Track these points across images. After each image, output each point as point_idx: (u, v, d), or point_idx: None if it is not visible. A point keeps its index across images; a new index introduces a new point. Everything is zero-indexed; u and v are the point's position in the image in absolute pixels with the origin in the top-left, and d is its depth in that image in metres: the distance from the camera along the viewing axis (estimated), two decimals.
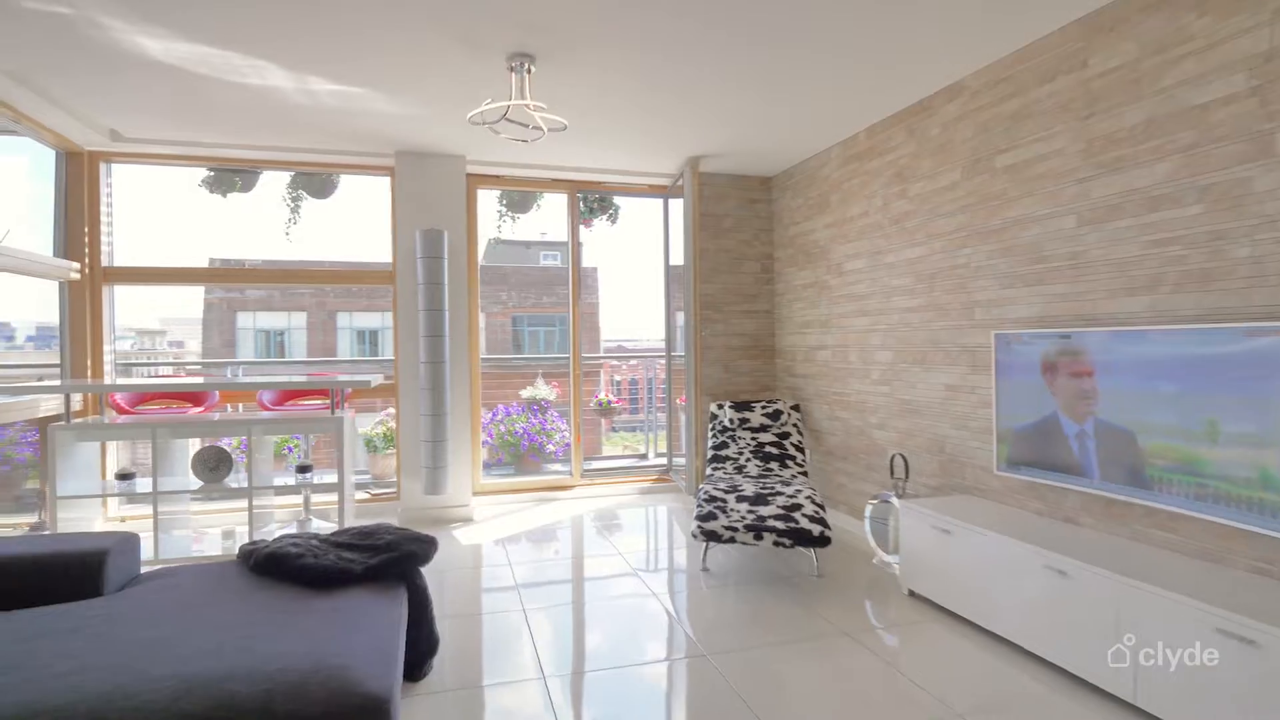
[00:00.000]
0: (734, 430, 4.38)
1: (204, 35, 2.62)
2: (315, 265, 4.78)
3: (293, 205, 4.73)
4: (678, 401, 5.45)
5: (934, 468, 3.33)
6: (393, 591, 2.11)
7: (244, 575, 2.14)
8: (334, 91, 3.19)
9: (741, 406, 4.44)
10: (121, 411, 3.71)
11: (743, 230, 4.89)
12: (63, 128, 3.62)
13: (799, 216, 4.59)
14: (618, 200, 5.30)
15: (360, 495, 4.55)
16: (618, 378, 9.32)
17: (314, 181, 4.64)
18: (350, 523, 3.53)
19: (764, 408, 4.41)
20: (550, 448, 5.59)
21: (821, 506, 3.29)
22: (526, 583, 3.20)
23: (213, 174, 4.40)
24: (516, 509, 4.58)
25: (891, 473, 3.47)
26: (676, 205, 4.92)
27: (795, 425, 4.39)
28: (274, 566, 2.11)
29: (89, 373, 3.93)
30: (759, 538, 3.08)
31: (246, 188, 4.54)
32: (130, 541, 2.22)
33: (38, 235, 3.88)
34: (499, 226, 5.16)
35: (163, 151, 4.01)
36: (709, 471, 4.15)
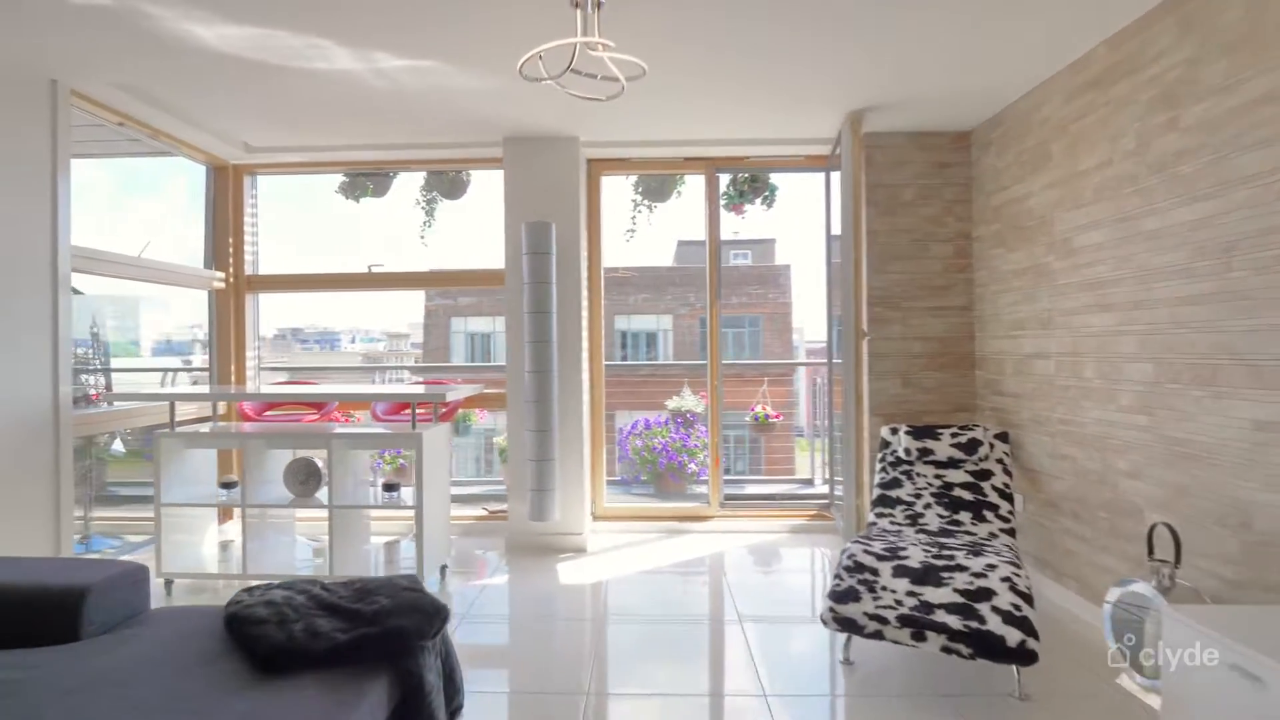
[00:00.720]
0: (911, 464, 3.34)
1: (286, 23, 2.38)
2: (438, 270, 4.53)
3: (426, 208, 4.60)
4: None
5: (1229, 550, 2.08)
6: (363, 684, 1.59)
7: (216, 634, 1.77)
8: (425, 69, 2.83)
9: (923, 433, 3.37)
10: (247, 418, 3.75)
11: (928, 203, 3.78)
12: (205, 144, 3.75)
13: (1006, 179, 3.39)
14: (774, 179, 4.46)
15: (479, 511, 4.26)
16: (788, 386, 8.33)
17: (445, 182, 4.45)
18: (437, 549, 3.18)
19: (955, 436, 3.30)
20: (692, 468, 4.90)
21: (1027, 596, 2.20)
22: (612, 651, 2.55)
23: (346, 179, 4.39)
24: (639, 541, 3.96)
25: (1150, 549, 2.25)
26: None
27: (1000, 462, 3.22)
28: (233, 629, 1.71)
29: (232, 377, 4.08)
30: (920, 637, 2.11)
31: (379, 192, 4.48)
32: (130, 576, 1.97)
33: (193, 248, 4.10)
34: (634, 218, 4.60)
35: (292, 160, 4.04)
36: (872, 518, 3.17)
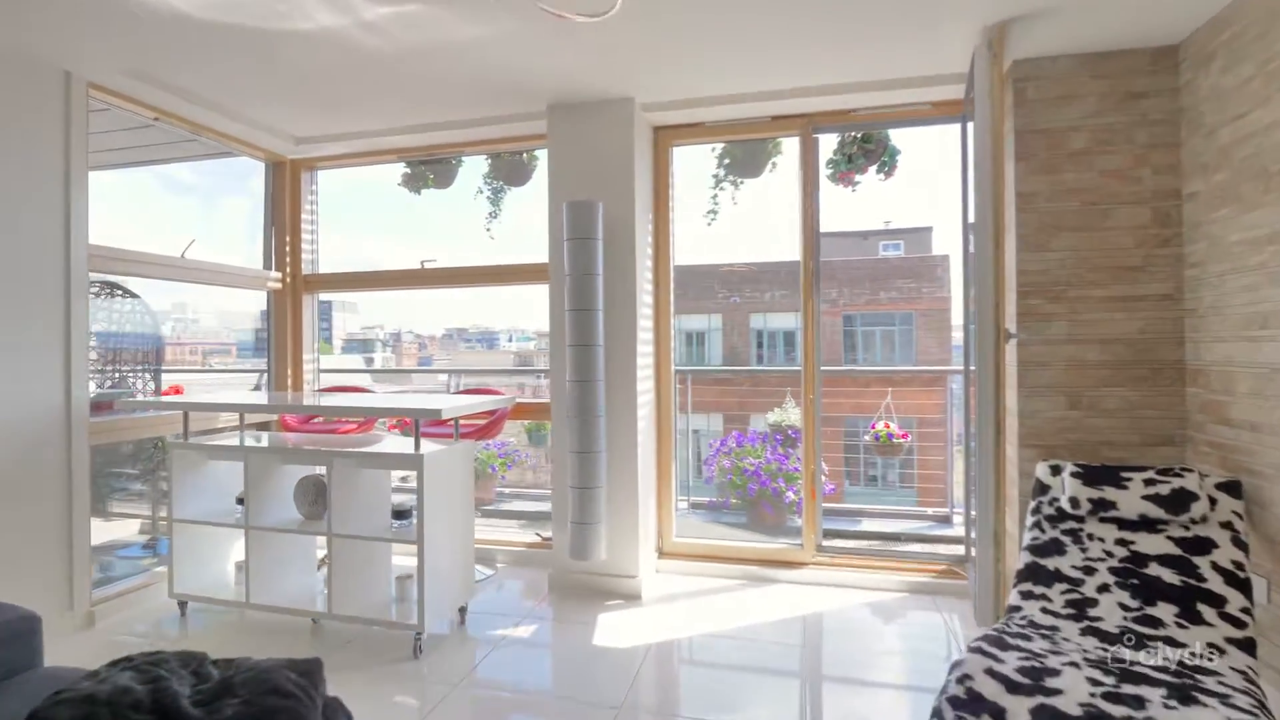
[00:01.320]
0: (1080, 521, 2.34)
1: None
2: (484, 265, 4.14)
3: (492, 198, 4.18)
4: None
5: None
6: None
7: None
8: (413, 16, 2.35)
9: (1100, 476, 2.36)
10: (288, 428, 3.53)
11: (1111, 151, 2.69)
12: (250, 137, 3.58)
13: (1241, 103, 2.26)
14: (893, 137, 3.53)
15: (534, 537, 3.76)
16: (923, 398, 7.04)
17: (506, 166, 4.01)
18: (452, 587, 2.70)
19: (1153, 484, 2.27)
20: (790, 496, 4.07)
21: None
22: None
23: (408, 170, 4.09)
24: (709, 589, 3.24)
25: None
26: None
27: (1227, 526, 2.14)
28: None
29: (289, 382, 3.92)
30: None
31: (442, 183, 4.13)
32: (17, 626, 1.64)
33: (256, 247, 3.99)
34: (714, 197, 3.86)
35: (342, 151, 3.79)
36: (1015, 598, 2.22)
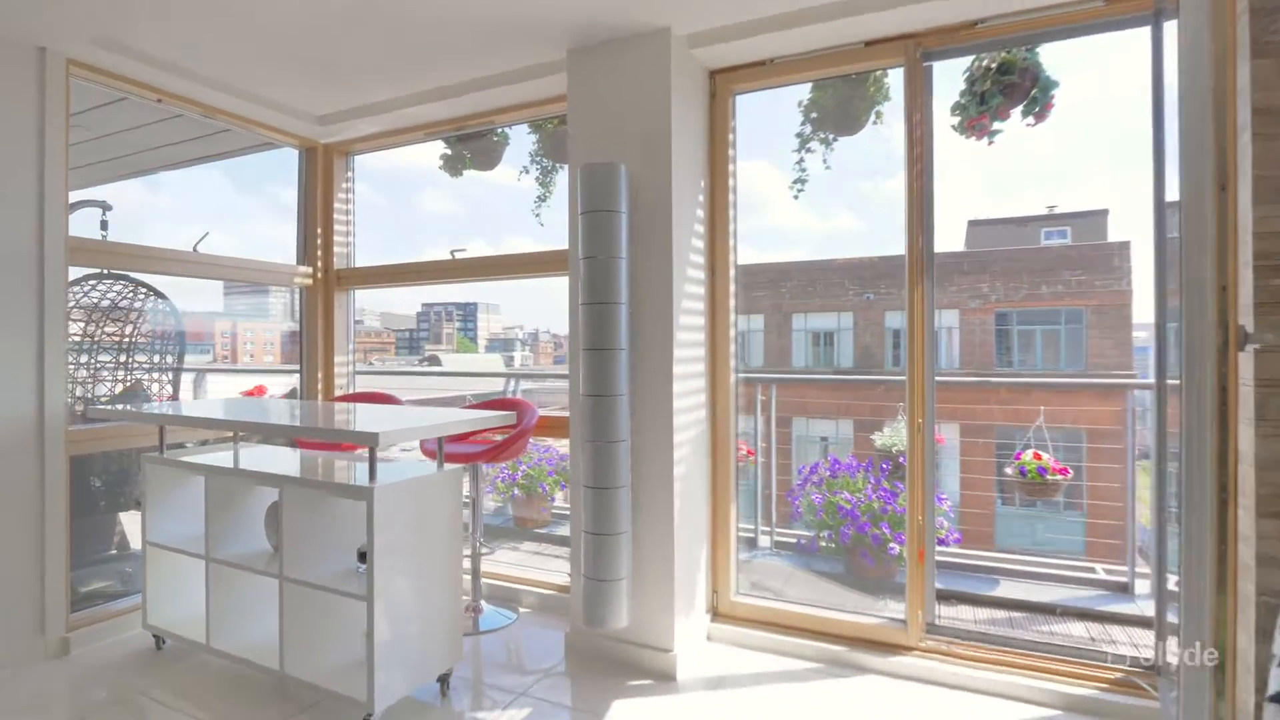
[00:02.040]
0: None
1: None
2: (504, 255, 3.57)
3: (542, 179, 3.64)
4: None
5: None
6: None
7: None
8: None
9: None
10: (300, 444, 3.17)
11: None
12: (280, 123, 3.28)
13: None
14: (1044, 64, 2.54)
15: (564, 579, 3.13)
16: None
17: (557, 141, 3.43)
18: (430, 650, 2.14)
19: None
20: (896, 548, 3.13)
21: None
22: None
23: (447, 150, 3.63)
24: (774, 675, 2.44)
25: None
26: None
27: None
28: None
29: (320, 386, 3.60)
30: None
31: (484, 163, 3.63)
32: None
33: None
34: (801, 162, 3.04)
35: (374, 131, 3.39)
36: None
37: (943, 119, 2.66)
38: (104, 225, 3.26)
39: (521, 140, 3.59)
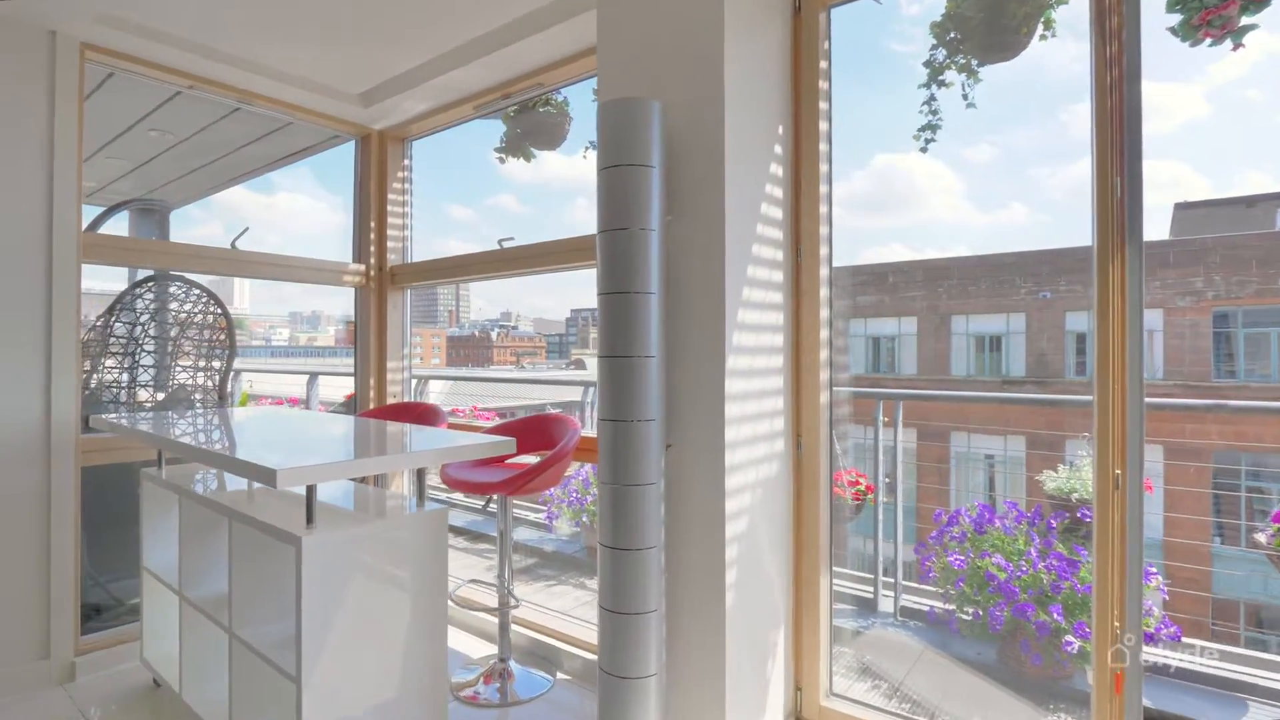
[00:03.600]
0: None
1: None
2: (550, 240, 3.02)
3: None
4: None
5: None
6: None
7: None
8: None
9: None
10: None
11: None
12: (325, 107, 3.02)
13: None
14: None
15: None
16: None
17: None
18: None
19: None
20: (1076, 644, 2.17)
21: None
22: None
23: (504, 131, 3.19)
24: None
25: None
26: None
27: None
28: None
29: (371, 391, 3.29)
30: None
31: (547, 140, 3.14)
32: None
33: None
34: (931, 102, 2.21)
35: (423, 109, 3.02)
36: None
37: (1153, 31, 1.73)
38: (156, 225, 3.17)
39: (588, 114, 3.07)
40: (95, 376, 2.81)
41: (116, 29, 2.36)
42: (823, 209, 2.01)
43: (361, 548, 1.64)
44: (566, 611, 2.89)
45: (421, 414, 2.96)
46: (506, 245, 2.89)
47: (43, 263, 2.32)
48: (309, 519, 1.59)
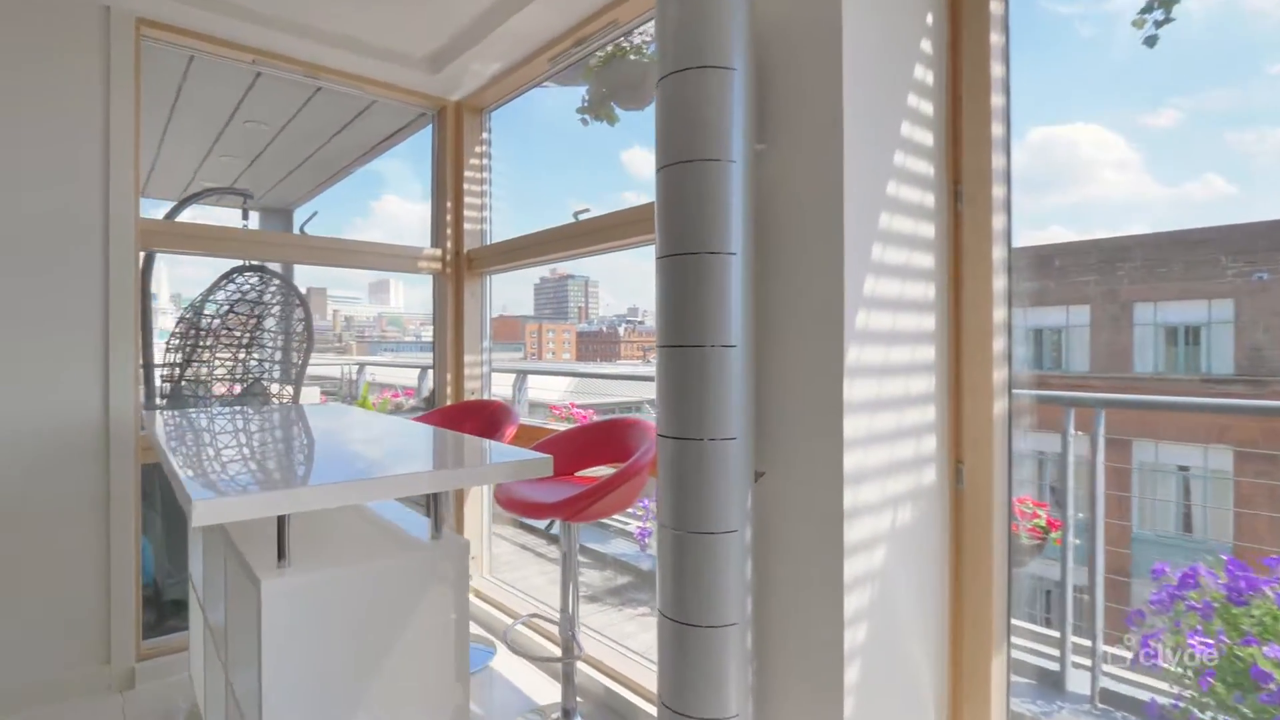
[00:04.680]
0: None
1: None
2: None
3: None
4: None
5: None
6: None
7: None
8: None
9: None
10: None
11: None
12: (394, 77, 2.75)
13: None
14: None
15: None
16: None
17: None
18: None
19: None
20: None
21: None
22: None
23: (585, 91, 2.76)
24: None
25: None
26: None
27: None
28: None
29: (449, 388, 3.00)
30: None
31: (634, 98, 2.68)
32: None
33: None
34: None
35: (497, 69, 2.66)
36: None
37: None
38: (245, 215, 3.07)
39: None
40: (176, 370, 2.73)
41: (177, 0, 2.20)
42: (996, 130, 1.37)
43: (348, 590, 1.26)
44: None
45: (492, 414, 2.62)
46: (582, 218, 2.46)
47: (99, 250, 2.19)
48: (280, 554, 1.23)
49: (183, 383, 2.72)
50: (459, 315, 2.98)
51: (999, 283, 1.38)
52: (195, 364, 2.74)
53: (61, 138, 2.13)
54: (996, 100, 1.38)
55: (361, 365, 6.80)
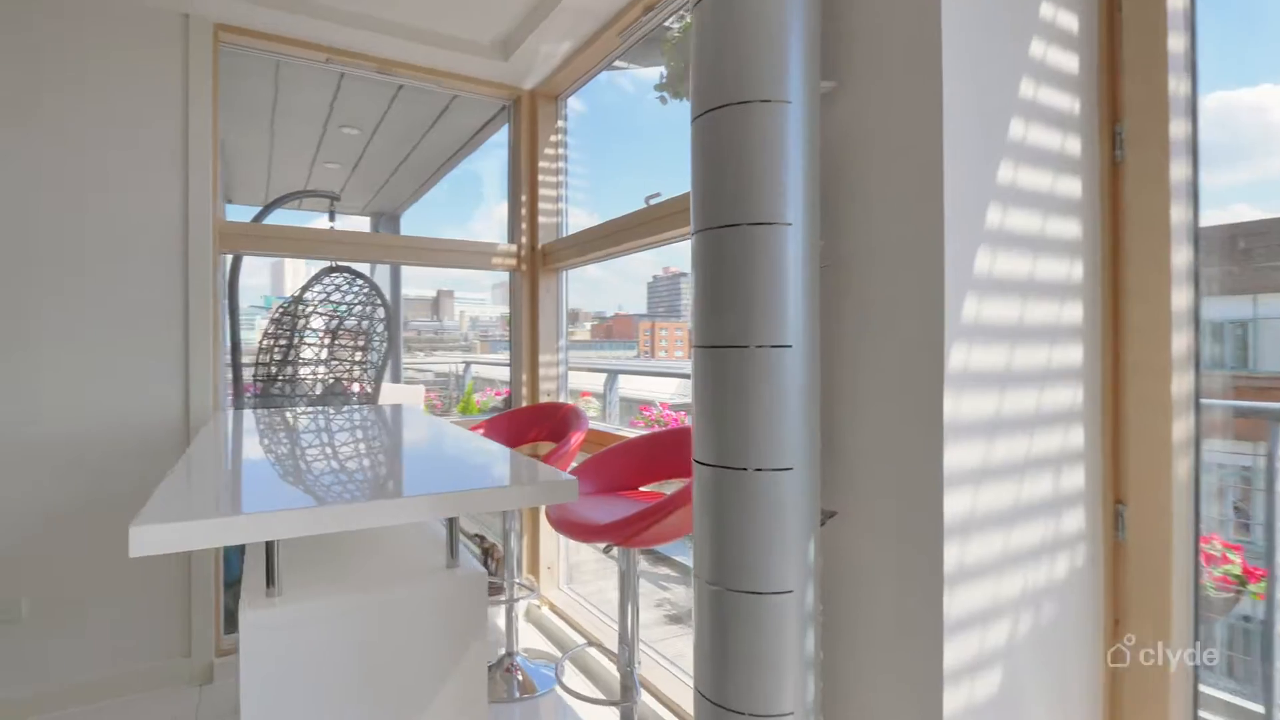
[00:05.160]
0: None
1: None
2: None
3: None
4: None
5: None
6: None
7: None
8: None
9: None
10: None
11: None
12: (463, 67, 2.65)
13: None
14: None
15: None
16: None
17: None
18: None
19: None
20: None
21: None
22: None
23: (665, 65, 2.52)
24: None
25: None
26: None
27: None
28: None
29: (524, 389, 2.87)
30: None
31: None
32: None
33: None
34: None
35: (569, 48, 2.48)
36: None
37: None
38: (331, 216, 3.11)
39: None
40: (268, 369, 2.79)
41: (254, 2, 2.19)
42: (1174, 44, 0.99)
43: (343, 626, 1.11)
44: None
45: (561, 418, 2.45)
46: (654, 202, 2.22)
47: (179, 253, 2.24)
48: (269, 581, 1.10)
49: (276, 381, 2.77)
50: (534, 313, 2.84)
51: (1179, 256, 0.99)
52: (281, 364, 2.78)
53: (144, 145, 2.18)
54: (1174, 1, 0.99)
55: (467, 364, 6.97)
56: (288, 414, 2.34)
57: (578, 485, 1.17)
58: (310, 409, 2.59)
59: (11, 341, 2.03)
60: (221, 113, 2.30)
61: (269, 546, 1.09)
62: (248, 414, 2.26)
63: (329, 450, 1.64)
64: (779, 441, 0.88)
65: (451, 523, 1.25)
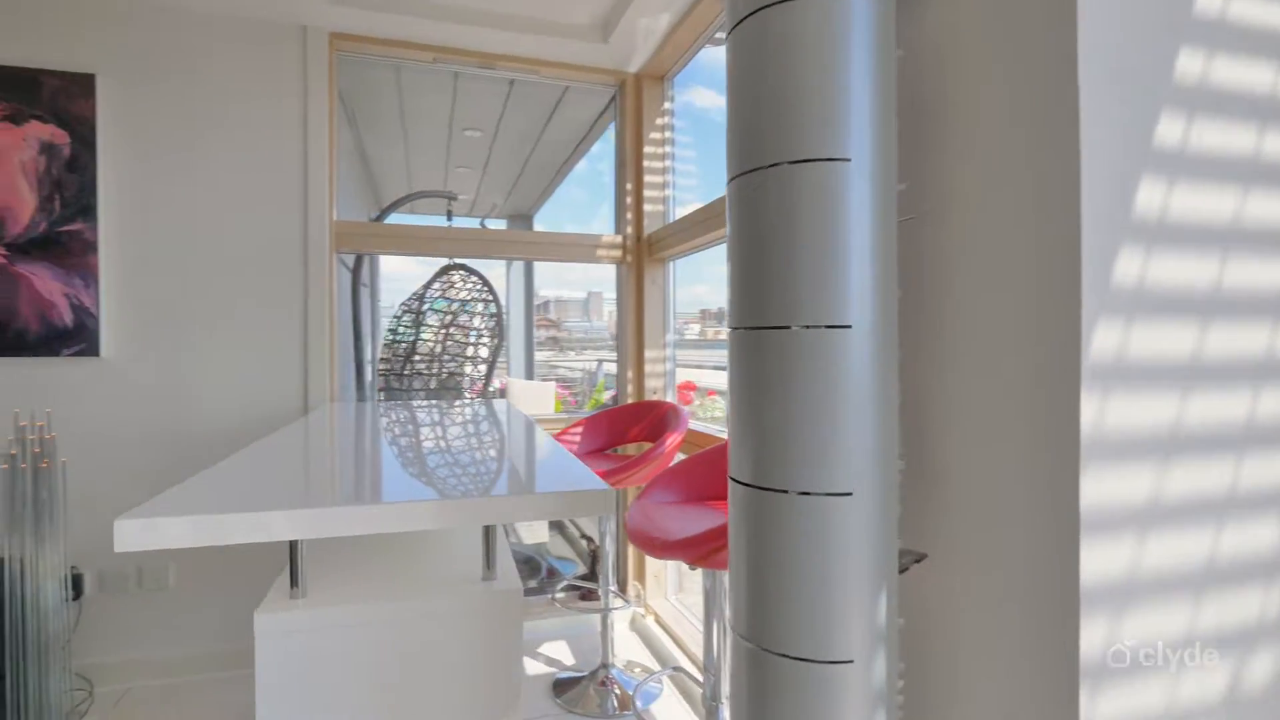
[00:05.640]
0: None
1: None
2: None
3: None
4: None
5: None
6: None
7: None
8: None
9: None
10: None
11: None
12: (566, 54, 2.57)
13: None
14: None
15: None
16: None
17: None
18: None
19: None
20: None
21: None
22: None
23: None
24: None
25: None
26: None
27: None
28: None
29: (630, 386, 2.73)
30: None
31: None
32: None
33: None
34: None
35: (665, 23, 2.31)
36: None
37: None
38: (449, 215, 3.18)
39: None
40: (389, 364, 2.90)
41: (364, 8, 2.27)
42: None
43: (363, 634, 1.02)
44: None
45: (660, 417, 2.28)
46: None
47: (299, 252, 2.36)
48: (293, 581, 1.04)
49: (402, 375, 2.89)
50: (639, 307, 2.70)
51: None
52: (405, 359, 2.88)
53: (272, 158, 2.32)
54: None
55: (600, 362, 7.04)
56: (367, 407, 2.39)
57: (614, 496, 1.00)
58: (396, 404, 2.64)
59: (173, 349, 2.25)
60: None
61: (292, 545, 1.03)
62: (337, 407, 2.34)
63: (392, 446, 1.60)
64: (832, 457, 0.65)
65: (488, 530, 1.13)
